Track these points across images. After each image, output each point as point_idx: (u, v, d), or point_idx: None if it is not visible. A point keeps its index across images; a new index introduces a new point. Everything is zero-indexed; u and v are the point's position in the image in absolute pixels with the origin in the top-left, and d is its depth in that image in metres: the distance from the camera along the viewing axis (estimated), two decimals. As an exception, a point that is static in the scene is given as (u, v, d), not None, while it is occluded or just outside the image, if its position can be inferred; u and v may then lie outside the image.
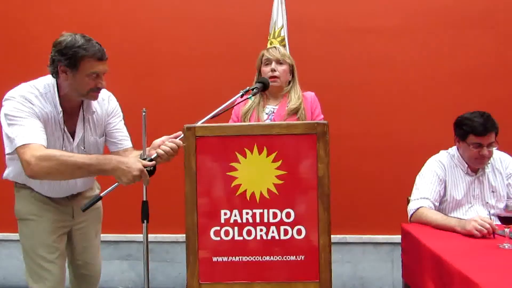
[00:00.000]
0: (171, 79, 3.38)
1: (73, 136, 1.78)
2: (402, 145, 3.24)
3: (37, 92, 1.69)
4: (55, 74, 1.70)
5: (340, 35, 3.30)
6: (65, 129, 1.74)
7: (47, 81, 1.73)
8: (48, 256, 1.77)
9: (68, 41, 1.64)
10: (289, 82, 2.29)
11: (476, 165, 2.19)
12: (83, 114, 1.79)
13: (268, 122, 2.18)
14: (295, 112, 2.18)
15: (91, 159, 1.60)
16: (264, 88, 2.07)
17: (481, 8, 3.24)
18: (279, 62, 2.24)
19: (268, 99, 2.28)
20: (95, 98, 1.77)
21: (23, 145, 1.57)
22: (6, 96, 1.68)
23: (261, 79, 2.14)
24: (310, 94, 2.31)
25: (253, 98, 1.92)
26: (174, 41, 3.35)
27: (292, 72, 2.31)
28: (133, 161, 1.57)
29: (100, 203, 2.02)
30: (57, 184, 1.80)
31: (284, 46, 2.78)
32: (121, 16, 3.43)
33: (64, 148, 1.73)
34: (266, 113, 2.23)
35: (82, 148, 1.79)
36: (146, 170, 1.58)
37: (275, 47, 2.31)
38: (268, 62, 2.24)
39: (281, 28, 2.83)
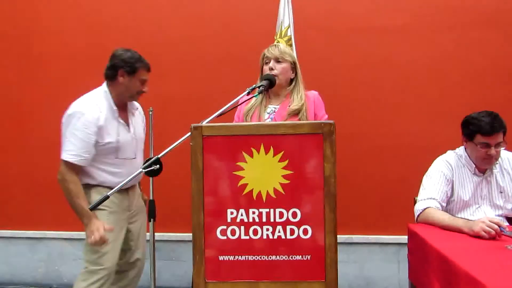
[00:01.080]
0: (177, 78, 3.40)
1: (128, 126, 2.26)
2: (409, 145, 3.23)
3: (96, 102, 2.17)
4: (113, 77, 2.20)
5: (345, 34, 3.30)
6: (120, 119, 2.23)
7: (103, 88, 2.24)
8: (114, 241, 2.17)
9: (129, 54, 2.20)
10: (291, 81, 2.23)
11: (484, 166, 2.18)
12: (130, 110, 2.30)
13: (268, 121, 2.15)
14: (296, 113, 2.13)
15: (83, 209, 2.06)
16: (271, 85, 2.05)
17: (488, 8, 3.22)
18: (277, 60, 2.17)
19: (270, 99, 2.23)
20: (137, 99, 2.29)
21: (65, 161, 2.11)
22: (73, 110, 2.14)
23: (266, 76, 2.11)
24: (314, 94, 2.24)
25: (259, 96, 1.89)
26: (180, 41, 3.37)
27: (294, 70, 2.24)
28: (98, 226, 2.03)
29: None
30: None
31: (290, 45, 2.79)
32: (126, 14, 3.46)
33: (119, 135, 2.19)
34: (267, 113, 2.19)
35: (134, 136, 2.25)
36: (153, 169, 1.59)
37: (275, 45, 2.24)
38: (268, 60, 2.19)
39: (288, 28, 2.83)
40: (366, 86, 3.29)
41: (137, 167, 2.00)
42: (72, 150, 2.08)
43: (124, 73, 2.18)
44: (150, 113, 1.58)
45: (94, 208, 1.62)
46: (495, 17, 3.22)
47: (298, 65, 2.27)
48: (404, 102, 3.28)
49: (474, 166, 2.20)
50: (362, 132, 3.25)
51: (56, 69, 3.50)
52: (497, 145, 2.10)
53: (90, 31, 3.47)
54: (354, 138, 3.19)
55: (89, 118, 2.09)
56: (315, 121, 1.51)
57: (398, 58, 3.28)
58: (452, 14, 3.24)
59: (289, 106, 2.16)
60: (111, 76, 2.20)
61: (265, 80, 2.04)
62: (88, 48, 3.46)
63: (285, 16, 2.85)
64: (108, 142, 2.14)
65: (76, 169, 2.11)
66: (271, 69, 2.16)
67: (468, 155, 2.21)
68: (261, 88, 1.93)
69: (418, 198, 2.22)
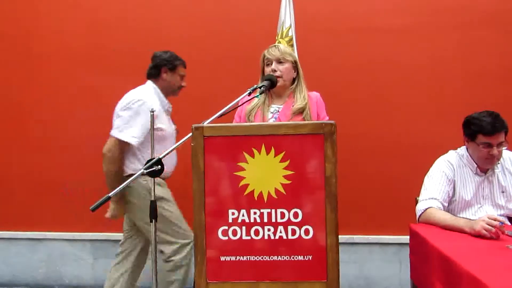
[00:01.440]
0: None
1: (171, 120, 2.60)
2: (410, 145, 3.24)
3: (149, 93, 2.47)
4: (157, 75, 2.52)
5: (347, 35, 3.31)
6: (168, 112, 2.57)
7: (150, 85, 2.53)
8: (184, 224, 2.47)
9: (168, 54, 2.54)
10: (294, 80, 2.25)
11: (486, 165, 2.18)
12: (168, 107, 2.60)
13: (272, 121, 2.17)
14: (300, 111, 2.15)
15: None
16: (272, 86, 2.06)
17: (489, 7, 3.23)
18: (279, 61, 2.19)
19: (273, 99, 2.24)
20: (178, 94, 2.62)
21: (117, 138, 2.36)
22: (133, 97, 2.40)
23: (267, 76, 2.11)
24: (316, 95, 2.26)
25: (260, 96, 1.90)
26: (181, 41, 3.36)
27: (296, 69, 2.26)
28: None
29: None
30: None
31: (292, 46, 2.78)
32: (126, 14, 3.47)
33: (166, 125, 2.48)
34: (271, 112, 2.20)
35: (174, 130, 2.56)
36: (154, 170, 1.60)
37: (275, 46, 2.25)
38: (269, 62, 2.19)
39: (289, 28, 2.83)
40: (367, 86, 3.30)
41: (172, 161, 2.41)
42: (131, 132, 2.32)
43: (166, 70, 2.50)
44: (151, 113, 1.58)
45: (95, 208, 1.62)
46: (496, 17, 3.22)
47: (299, 64, 2.28)
48: (406, 102, 3.28)
49: (475, 166, 2.21)
50: (363, 132, 3.26)
51: (55, 69, 3.51)
52: (499, 144, 2.11)
53: (89, 31, 3.49)
54: (355, 138, 3.19)
55: (149, 105, 2.31)
56: (316, 122, 1.52)
57: (400, 58, 3.29)
58: (454, 14, 3.25)
59: (293, 105, 2.17)
60: (154, 74, 2.51)
61: (266, 80, 2.04)
62: (86, 48, 3.47)
63: (286, 17, 2.85)
64: (160, 129, 2.38)
65: (125, 151, 2.36)
66: (274, 70, 2.17)
67: (470, 155, 2.22)
68: (262, 88, 1.94)
69: (420, 198, 2.22)
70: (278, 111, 2.20)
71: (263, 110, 2.18)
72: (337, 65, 3.29)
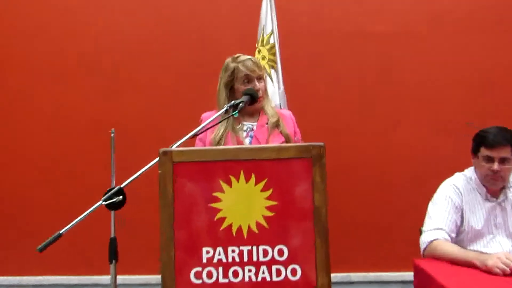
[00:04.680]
0: (142, 93, 3.45)
1: None
2: (412, 167, 3.31)
3: None
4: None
5: (339, 40, 3.39)
6: None
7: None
8: None
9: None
10: None
11: (489, 185, 2.23)
12: None
13: (248, 141, 2.22)
14: (276, 125, 2.25)
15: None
16: (252, 102, 2.12)
17: (498, 10, 3.37)
18: (259, 78, 2.27)
19: (242, 117, 2.29)
20: None
21: None
22: None
23: (248, 90, 2.16)
24: (288, 111, 2.39)
25: (237, 114, 1.95)
26: (144, 48, 3.42)
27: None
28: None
29: None
30: None
31: (274, 54, 2.85)
32: (95, 27, 3.52)
33: None
34: (244, 131, 2.27)
35: None
36: (114, 201, 1.60)
37: (250, 59, 2.29)
38: (249, 79, 2.25)
39: (271, 35, 2.89)
40: (361, 98, 3.38)
41: None
42: None
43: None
44: (112, 135, 1.58)
45: (43, 249, 1.60)
46: (500, 20, 3.36)
47: (266, 80, 2.43)
48: (406, 117, 3.37)
49: (485, 190, 2.25)
50: (356, 153, 3.32)
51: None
52: (502, 160, 2.16)
53: (58, 43, 3.52)
54: (347, 160, 3.25)
55: None
56: (303, 144, 1.53)
57: (398, 67, 3.39)
58: (459, 17, 3.38)
59: (267, 121, 2.25)
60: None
61: (246, 95, 2.10)
62: (37, 54, 3.50)
63: (268, 21, 2.92)
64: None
65: None
66: (258, 90, 2.23)
67: (478, 177, 2.27)
68: (241, 105, 1.97)
69: (424, 228, 2.25)
70: (253, 129, 2.27)
71: (235, 131, 2.22)
72: (326, 76, 3.37)
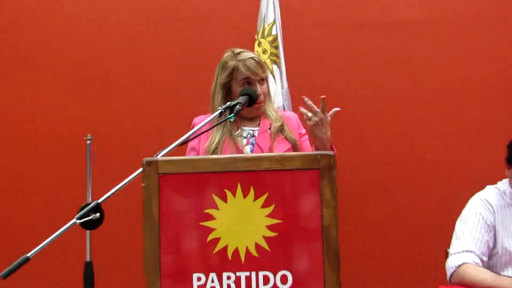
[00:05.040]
0: (123, 93, 3.45)
1: None
2: (436, 177, 3.30)
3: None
4: None
5: (347, 32, 3.41)
6: None
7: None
8: None
9: None
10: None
11: None
12: None
13: (249, 149, 2.23)
14: (280, 130, 2.26)
15: None
16: (250, 103, 2.13)
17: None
18: (261, 79, 2.28)
19: (241, 121, 2.31)
20: None
21: None
22: None
23: (246, 90, 2.17)
24: (293, 113, 2.42)
25: (234, 118, 1.96)
26: (125, 41, 3.44)
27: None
28: None
29: None
30: None
31: (276, 47, 2.86)
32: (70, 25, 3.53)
33: None
34: (244, 137, 2.29)
35: None
36: (91, 219, 1.59)
37: (253, 58, 2.29)
38: (249, 81, 2.26)
39: (272, 25, 2.90)
40: (372, 97, 3.41)
41: None
42: None
43: None
44: (88, 142, 1.58)
45: (8, 275, 1.60)
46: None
47: (269, 81, 2.41)
48: (428, 120, 3.37)
49: (523, 205, 2.26)
50: (370, 159, 3.32)
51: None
52: None
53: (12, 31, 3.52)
54: (359, 168, 3.25)
55: None
56: (309, 153, 1.54)
57: (413, 61, 3.40)
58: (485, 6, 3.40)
59: (270, 126, 2.27)
60: None
61: (243, 96, 2.10)
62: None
63: (269, 10, 2.92)
64: None
65: None
66: (259, 95, 2.24)
67: (514, 190, 2.27)
68: (238, 107, 1.97)
69: (451, 251, 2.25)
70: (254, 136, 2.28)
71: (233, 137, 2.23)
72: (334, 71, 3.38)
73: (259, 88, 2.25)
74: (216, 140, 2.21)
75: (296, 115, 2.39)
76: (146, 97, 3.40)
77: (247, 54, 2.30)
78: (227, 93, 2.28)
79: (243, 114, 2.24)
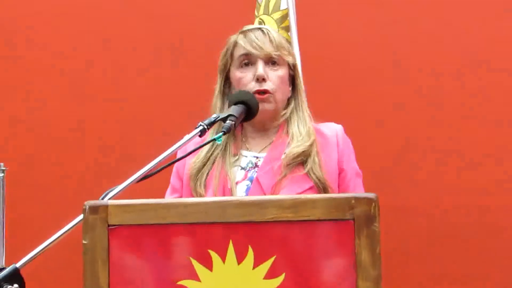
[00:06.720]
0: (58, 103, 3.57)
1: None
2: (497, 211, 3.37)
3: None
4: None
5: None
6: None
7: None
8: None
9: None
10: (288, 100, 2.31)
11: None
12: None
13: (246, 187, 2.15)
14: (301, 161, 2.15)
15: None
16: (248, 117, 2.05)
17: None
18: (271, 61, 2.21)
19: (245, 138, 2.26)
20: None
21: None
22: None
23: (239, 95, 2.12)
24: (335, 128, 2.29)
25: (222, 139, 1.90)
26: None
27: (292, 80, 2.32)
28: None
29: None
30: None
31: (287, 29, 2.82)
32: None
33: None
34: (243, 168, 2.20)
35: None
36: None
37: (260, 28, 2.28)
38: (249, 60, 2.22)
39: (282, -2, 2.89)
40: (416, 101, 3.49)
41: None
42: None
43: None
44: (1, 175, 1.49)
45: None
46: None
47: (298, 70, 2.35)
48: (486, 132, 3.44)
49: None
50: (418, 200, 3.35)
51: None
52: None
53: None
54: (405, 211, 3.30)
55: None
56: (338, 195, 1.44)
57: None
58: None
59: (286, 148, 2.18)
60: None
61: (236, 104, 2.01)
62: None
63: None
64: None
65: None
66: (261, 79, 2.16)
67: None
68: (228, 123, 1.90)
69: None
70: (257, 166, 2.18)
71: (226, 164, 2.16)
72: (356, 62, 3.47)
73: (261, 69, 2.16)
74: (206, 161, 2.18)
75: (338, 129, 2.27)
76: (92, 110, 3.53)
77: (254, 26, 2.35)
78: (225, 83, 2.27)
79: (246, 125, 2.22)
